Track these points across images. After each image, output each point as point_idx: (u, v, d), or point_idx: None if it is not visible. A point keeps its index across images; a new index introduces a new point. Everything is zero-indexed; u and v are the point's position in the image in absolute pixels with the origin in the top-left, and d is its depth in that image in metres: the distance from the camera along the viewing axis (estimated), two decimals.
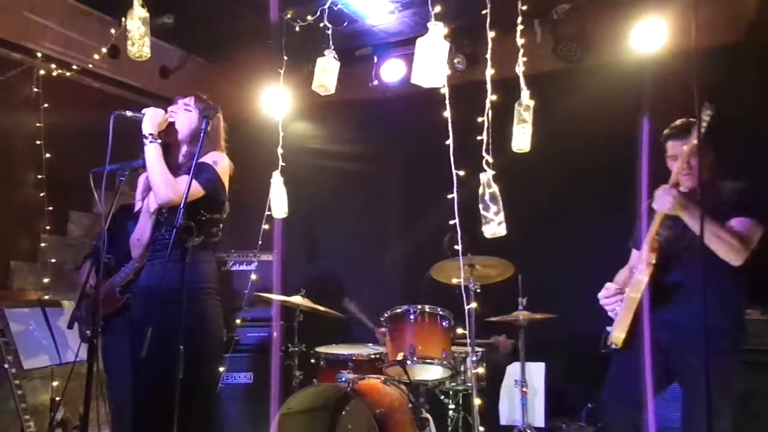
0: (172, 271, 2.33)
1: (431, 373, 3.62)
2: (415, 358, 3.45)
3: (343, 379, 3.43)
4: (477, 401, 3.32)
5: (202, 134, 2.48)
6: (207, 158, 2.67)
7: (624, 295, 2.82)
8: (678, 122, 2.83)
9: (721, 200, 2.61)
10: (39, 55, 4.27)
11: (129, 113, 2.66)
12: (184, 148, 2.75)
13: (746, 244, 2.57)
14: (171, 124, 2.74)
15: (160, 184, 2.54)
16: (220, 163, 2.70)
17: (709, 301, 2.23)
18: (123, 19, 3.39)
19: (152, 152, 2.58)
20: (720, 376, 2.45)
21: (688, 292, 2.62)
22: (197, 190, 2.57)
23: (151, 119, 2.63)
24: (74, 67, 4.42)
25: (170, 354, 2.25)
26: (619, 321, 2.79)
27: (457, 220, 2.80)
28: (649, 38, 4.11)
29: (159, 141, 2.61)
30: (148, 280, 2.66)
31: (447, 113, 2.88)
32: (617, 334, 2.80)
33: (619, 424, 2.78)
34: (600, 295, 2.94)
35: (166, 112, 2.76)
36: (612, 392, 2.86)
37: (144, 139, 2.60)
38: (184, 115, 2.74)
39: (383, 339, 3.84)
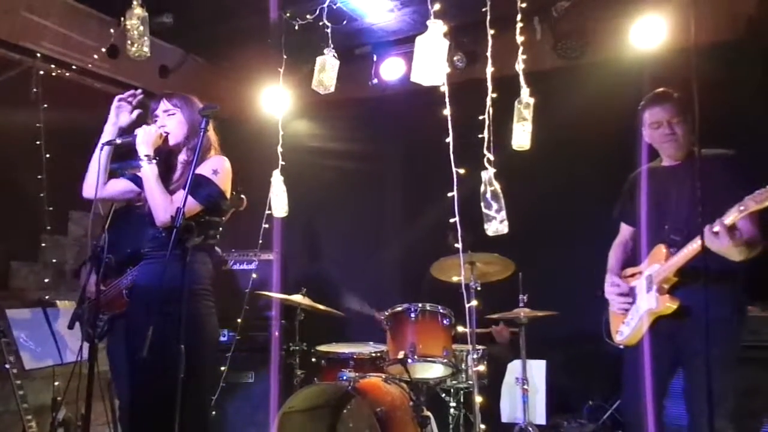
0: (171, 271, 2.31)
1: (432, 371, 3.62)
2: (415, 357, 3.45)
3: (344, 377, 3.44)
4: (478, 399, 3.32)
5: (201, 134, 2.44)
6: (206, 167, 2.59)
7: (635, 304, 2.79)
8: (656, 90, 2.83)
9: (713, 178, 2.55)
10: (38, 55, 4.27)
11: (119, 140, 2.57)
12: (183, 153, 2.68)
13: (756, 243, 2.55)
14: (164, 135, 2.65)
15: (158, 208, 2.49)
16: (221, 170, 2.62)
17: (713, 290, 2.23)
18: (122, 18, 3.39)
19: (149, 174, 2.51)
20: (723, 361, 2.46)
21: (690, 281, 2.61)
22: (195, 206, 2.51)
23: (145, 140, 2.54)
24: (73, 67, 4.42)
25: (167, 354, 2.23)
26: (633, 331, 2.76)
27: (457, 218, 2.80)
28: (648, 35, 4.11)
29: (156, 160, 2.54)
30: (145, 280, 2.65)
31: (447, 111, 2.88)
32: (630, 339, 2.78)
33: (641, 423, 2.75)
34: (609, 290, 2.90)
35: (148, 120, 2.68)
36: (632, 391, 2.79)
37: (140, 161, 2.54)
38: (172, 121, 2.65)
39: (383, 325, 3.83)
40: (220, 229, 2.73)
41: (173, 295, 2.32)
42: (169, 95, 2.70)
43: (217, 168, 2.61)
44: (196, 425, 2.49)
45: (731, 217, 2.38)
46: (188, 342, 2.33)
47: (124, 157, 2.73)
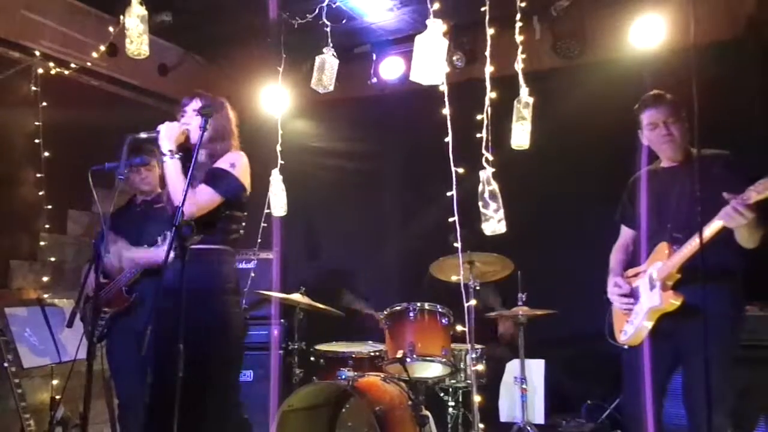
0: (192, 271, 2.37)
1: (431, 370, 3.62)
2: (414, 356, 3.45)
3: (343, 376, 3.44)
4: (477, 398, 3.32)
5: (201, 133, 2.47)
6: (224, 161, 2.65)
7: (639, 303, 2.78)
8: (651, 93, 2.83)
9: (713, 178, 2.53)
10: (37, 53, 4.26)
11: (144, 135, 2.61)
12: (202, 152, 2.70)
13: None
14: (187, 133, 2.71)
15: (180, 200, 2.51)
16: (238, 164, 2.67)
17: (714, 287, 2.24)
18: (121, 17, 3.39)
19: (172, 168, 2.56)
20: (723, 358, 2.47)
21: (691, 277, 2.60)
22: (216, 199, 2.57)
23: (168, 135, 2.59)
24: (73, 65, 4.41)
25: (189, 353, 2.29)
26: (637, 330, 2.73)
27: (456, 218, 2.80)
28: (647, 34, 4.11)
29: (179, 155, 2.58)
30: (170, 281, 2.65)
31: (446, 110, 2.88)
32: (634, 339, 2.75)
33: (641, 423, 2.74)
34: (612, 290, 2.89)
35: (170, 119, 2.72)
36: (632, 390, 2.78)
37: (162, 156, 2.59)
38: (197, 121, 2.67)
39: (381, 324, 3.84)
40: (243, 224, 2.76)
41: (198, 295, 2.41)
42: (204, 96, 2.76)
43: (235, 162, 2.67)
44: (218, 424, 2.53)
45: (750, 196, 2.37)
46: (217, 341, 2.45)
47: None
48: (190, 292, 2.36)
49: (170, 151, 2.57)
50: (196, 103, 2.72)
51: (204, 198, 2.54)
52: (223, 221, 2.63)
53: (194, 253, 2.40)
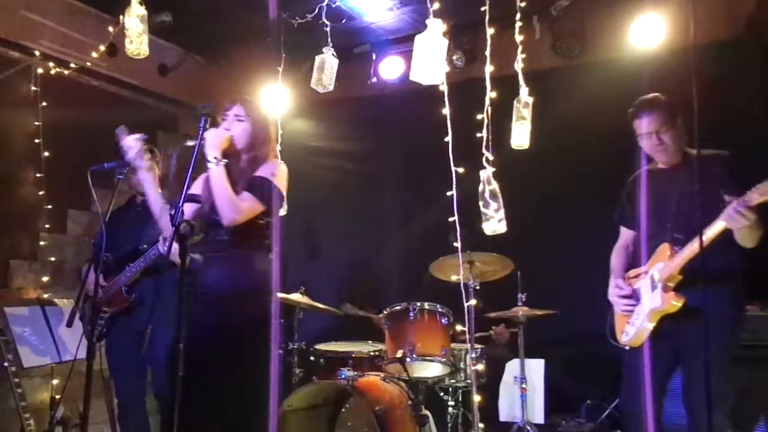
0: (234, 274, 2.52)
1: (430, 370, 3.62)
2: (414, 356, 3.45)
3: (343, 376, 3.44)
4: (476, 398, 3.32)
5: (201, 133, 2.46)
6: (265, 170, 2.69)
7: (640, 304, 2.77)
8: (643, 98, 2.82)
9: (713, 178, 2.54)
10: (37, 53, 4.26)
11: (190, 143, 2.61)
12: (243, 158, 2.74)
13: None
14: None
15: (225, 207, 2.57)
16: (278, 173, 2.72)
17: (716, 289, 2.25)
18: (121, 17, 3.40)
19: (217, 175, 2.58)
20: (724, 359, 2.47)
21: (692, 279, 2.60)
22: (258, 207, 2.62)
23: (214, 143, 2.60)
24: (72, 65, 4.41)
25: (226, 352, 2.43)
26: (639, 331, 2.73)
27: (456, 218, 2.80)
28: (647, 34, 4.11)
29: (224, 162, 2.60)
30: (211, 280, 2.66)
31: (446, 110, 2.88)
32: (635, 340, 2.75)
33: (641, 423, 2.74)
34: (613, 293, 2.88)
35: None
36: (632, 391, 2.77)
37: (208, 163, 2.60)
38: (239, 127, 2.72)
39: (382, 326, 3.84)
40: None
41: (235, 295, 2.55)
42: (247, 102, 2.79)
43: (275, 171, 2.71)
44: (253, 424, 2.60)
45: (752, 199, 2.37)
46: (258, 343, 2.56)
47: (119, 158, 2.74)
48: (231, 293, 2.52)
49: (215, 158, 2.59)
50: (238, 110, 2.73)
51: (247, 206, 2.59)
52: (262, 228, 2.69)
53: (235, 257, 2.59)
